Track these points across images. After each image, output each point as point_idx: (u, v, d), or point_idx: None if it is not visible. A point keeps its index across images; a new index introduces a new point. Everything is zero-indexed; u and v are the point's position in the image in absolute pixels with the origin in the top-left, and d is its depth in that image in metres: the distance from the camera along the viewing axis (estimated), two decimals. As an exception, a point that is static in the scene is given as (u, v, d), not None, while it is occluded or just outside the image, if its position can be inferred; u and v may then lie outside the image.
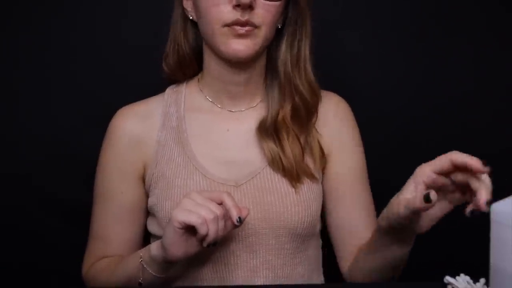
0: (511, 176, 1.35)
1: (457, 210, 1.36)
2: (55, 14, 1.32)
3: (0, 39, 1.31)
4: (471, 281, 0.82)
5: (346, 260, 1.09)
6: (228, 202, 0.89)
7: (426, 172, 0.82)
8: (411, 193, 0.82)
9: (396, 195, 0.86)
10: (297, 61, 1.05)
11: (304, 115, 1.06)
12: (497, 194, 0.73)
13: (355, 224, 1.09)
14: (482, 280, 0.81)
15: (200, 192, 0.91)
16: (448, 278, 0.83)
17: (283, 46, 1.06)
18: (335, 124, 1.11)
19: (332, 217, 1.10)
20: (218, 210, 0.87)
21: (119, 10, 1.33)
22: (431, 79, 1.38)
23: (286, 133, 1.04)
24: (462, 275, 0.83)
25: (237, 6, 0.96)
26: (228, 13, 0.96)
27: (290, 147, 1.04)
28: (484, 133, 1.36)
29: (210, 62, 1.06)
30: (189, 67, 1.10)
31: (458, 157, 0.80)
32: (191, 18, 1.05)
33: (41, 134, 1.32)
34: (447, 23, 1.37)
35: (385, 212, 0.89)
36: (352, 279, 1.07)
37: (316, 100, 1.07)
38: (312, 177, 1.05)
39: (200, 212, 0.87)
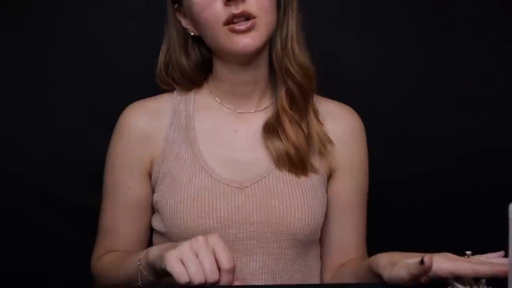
0: (511, 175, 1.36)
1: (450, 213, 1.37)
2: (55, 13, 1.31)
3: (0, 39, 1.31)
4: (472, 281, 0.82)
5: (329, 270, 1.12)
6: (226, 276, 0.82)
7: (444, 269, 0.79)
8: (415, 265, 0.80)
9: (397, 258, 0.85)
10: (285, 42, 1.04)
11: (300, 100, 1.05)
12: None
13: (346, 242, 1.11)
14: (483, 280, 0.81)
15: (212, 240, 0.83)
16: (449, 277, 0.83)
17: (276, 31, 1.04)
18: (349, 143, 1.10)
19: (326, 230, 1.11)
20: (211, 277, 0.80)
21: (121, 9, 1.32)
22: (431, 78, 1.38)
23: (288, 121, 1.04)
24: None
25: (229, 0, 0.96)
26: (221, 10, 0.97)
27: (295, 135, 1.03)
28: (484, 133, 1.37)
29: (218, 67, 1.06)
30: (198, 78, 1.10)
31: (484, 270, 0.78)
32: (192, 34, 1.05)
33: (41, 134, 1.32)
34: (447, 23, 1.36)
35: (381, 267, 0.87)
36: None
37: (310, 81, 1.05)
38: (313, 169, 1.05)
39: (190, 269, 0.80)
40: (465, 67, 1.37)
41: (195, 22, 1.02)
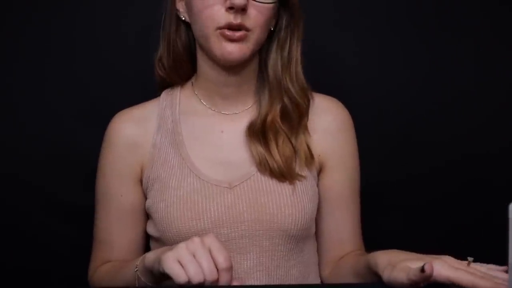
0: (511, 175, 1.36)
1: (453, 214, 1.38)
2: (55, 13, 1.31)
3: (0, 38, 1.31)
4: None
5: (327, 265, 1.12)
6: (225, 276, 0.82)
7: (443, 276, 0.79)
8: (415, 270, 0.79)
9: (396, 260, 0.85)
10: (288, 64, 1.06)
11: (295, 117, 1.06)
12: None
13: (342, 236, 1.11)
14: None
15: (208, 241, 0.83)
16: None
17: (273, 49, 1.06)
18: (337, 135, 1.10)
19: (321, 224, 1.11)
20: (210, 276, 0.81)
21: (120, 10, 1.32)
22: (430, 79, 1.38)
23: (276, 135, 1.04)
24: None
25: (230, 8, 0.96)
26: (221, 15, 0.97)
27: (281, 149, 1.04)
28: (484, 133, 1.37)
29: (203, 64, 1.06)
30: (184, 69, 1.10)
31: (483, 285, 0.76)
32: (183, 19, 1.05)
33: (41, 134, 1.32)
34: (446, 23, 1.37)
35: (380, 267, 0.87)
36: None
37: (307, 102, 1.08)
38: (300, 177, 1.05)
39: (189, 270, 0.80)
40: (464, 67, 1.37)
41: (192, 15, 1.02)
